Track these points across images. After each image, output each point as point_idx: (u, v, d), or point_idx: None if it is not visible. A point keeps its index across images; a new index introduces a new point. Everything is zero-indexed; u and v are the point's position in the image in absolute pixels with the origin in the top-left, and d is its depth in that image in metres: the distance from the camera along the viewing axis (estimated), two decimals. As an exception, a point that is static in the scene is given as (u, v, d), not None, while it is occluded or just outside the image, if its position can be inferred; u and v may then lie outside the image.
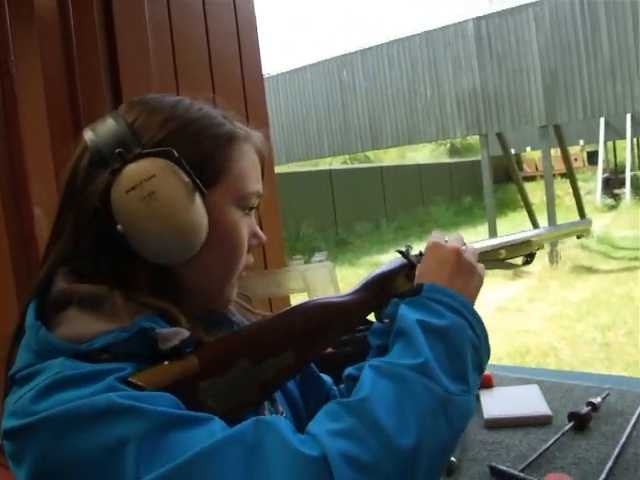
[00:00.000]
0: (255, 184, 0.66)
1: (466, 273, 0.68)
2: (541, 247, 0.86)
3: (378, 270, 0.73)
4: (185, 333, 0.57)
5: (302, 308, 0.66)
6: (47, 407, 0.50)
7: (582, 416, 1.09)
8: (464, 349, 0.60)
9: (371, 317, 0.74)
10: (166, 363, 0.56)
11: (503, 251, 0.81)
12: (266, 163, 0.70)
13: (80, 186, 0.61)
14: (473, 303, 0.67)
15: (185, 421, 0.50)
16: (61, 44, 1.08)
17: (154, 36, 1.15)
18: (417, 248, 0.74)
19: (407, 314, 0.62)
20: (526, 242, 0.84)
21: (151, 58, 1.14)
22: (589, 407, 1.11)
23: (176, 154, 0.59)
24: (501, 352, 5.27)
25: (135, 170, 0.58)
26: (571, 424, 1.08)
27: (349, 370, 0.80)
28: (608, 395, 1.17)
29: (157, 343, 0.56)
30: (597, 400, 1.13)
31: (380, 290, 0.71)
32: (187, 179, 0.59)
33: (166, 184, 0.58)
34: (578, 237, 1.02)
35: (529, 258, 0.85)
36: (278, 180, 1.54)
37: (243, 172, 0.64)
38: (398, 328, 0.61)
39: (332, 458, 0.48)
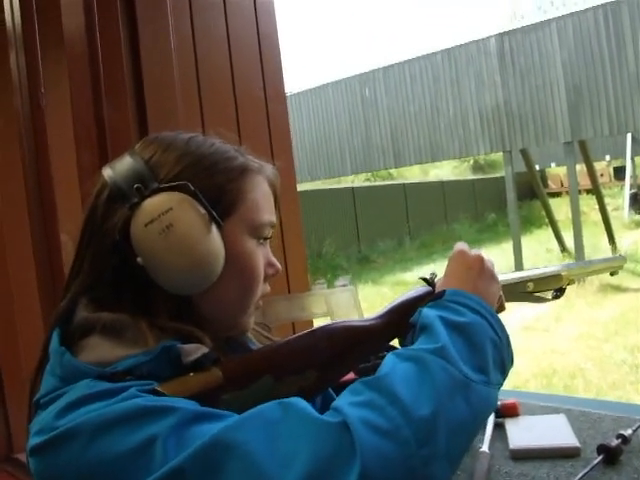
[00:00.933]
0: (268, 214, 0.68)
1: (488, 279, 0.71)
2: (572, 282, 0.85)
3: (403, 297, 0.74)
4: (205, 349, 0.59)
5: (327, 330, 0.67)
6: (72, 419, 0.51)
7: (612, 449, 1.05)
8: (484, 345, 0.61)
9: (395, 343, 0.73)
10: (191, 374, 0.57)
11: (531, 284, 0.81)
12: (279, 193, 0.73)
13: (100, 221, 0.63)
14: (493, 308, 0.68)
15: (208, 415, 0.51)
16: (89, 77, 1.11)
17: (179, 63, 1.17)
18: (440, 270, 0.75)
19: (429, 313, 0.63)
20: (556, 276, 0.83)
21: (176, 84, 1.16)
22: (619, 439, 1.07)
23: (192, 187, 0.61)
24: (527, 373, 5.17)
25: (153, 204, 0.60)
26: (601, 457, 1.04)
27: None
28: None
29: (180, 358, 0.57)
30: (628, 432, 1.09)
31: (404, 316, 0.70)
32: (203, 211, 0.61)
33: (183, 216, 0.60)
34: (611, 274, 0.99)
35: (559, 292, 0.84)
36: (300, 198, 1.55)
37: (256, 203, 0.66)
38: (420, 325, 0.63)
39: (353, 424, 0.49)
